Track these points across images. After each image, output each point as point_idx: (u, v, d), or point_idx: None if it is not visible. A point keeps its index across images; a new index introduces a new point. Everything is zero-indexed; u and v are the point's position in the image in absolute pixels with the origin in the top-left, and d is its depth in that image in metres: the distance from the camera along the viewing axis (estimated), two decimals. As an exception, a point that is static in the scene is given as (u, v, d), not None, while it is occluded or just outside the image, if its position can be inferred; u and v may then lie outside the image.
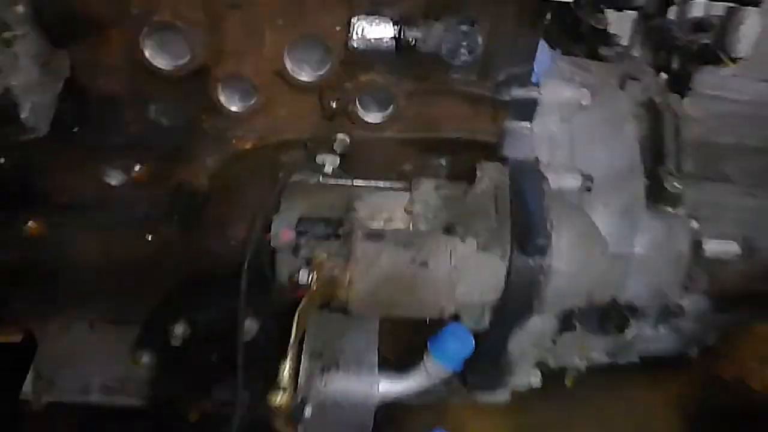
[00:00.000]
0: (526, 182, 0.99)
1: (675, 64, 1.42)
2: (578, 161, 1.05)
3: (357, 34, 0.84)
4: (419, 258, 0.84)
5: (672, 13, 1.53)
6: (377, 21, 0.86)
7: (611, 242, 1.08)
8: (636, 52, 1.50)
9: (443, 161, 1.09)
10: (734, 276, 1.28)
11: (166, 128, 1.02)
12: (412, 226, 0.95)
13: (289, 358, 0.82)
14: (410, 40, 0.86)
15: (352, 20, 0.85)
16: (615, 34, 1.52)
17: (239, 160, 1.03)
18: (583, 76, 1.18)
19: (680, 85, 1.36)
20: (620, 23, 1.60)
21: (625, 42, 1.55)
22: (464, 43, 0.86)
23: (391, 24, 0.85)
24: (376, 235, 0.83)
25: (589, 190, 1.04)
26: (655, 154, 1.24)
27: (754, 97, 1.44)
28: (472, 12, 0.86)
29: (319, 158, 1.04)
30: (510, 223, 0.95)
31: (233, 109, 1.01)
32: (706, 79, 1.42)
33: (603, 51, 1.44)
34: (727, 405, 1.47)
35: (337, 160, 1.05)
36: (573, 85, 1.01)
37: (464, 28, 0.85)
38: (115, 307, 1.11)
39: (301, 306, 0.81)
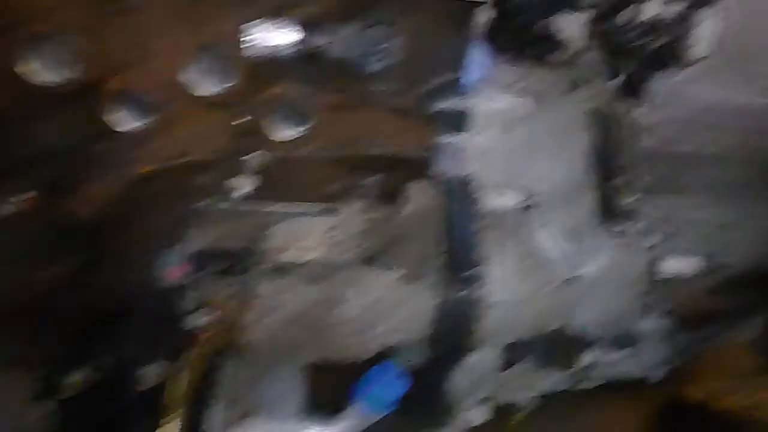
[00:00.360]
0: (458, 203, 0.89)
1: (628, 69, 1.33)
2: (518, 177, 0.95)
3: (255, 41, 0.73)
4: (331, 295, 0.73)
5: (626, 14, 1.44)
6: (278, 26, 0.75)
7: (558, 266, 0.98)
8: (588, 57, 1.41)
9: (374, 180, 0.98)
10: (696, 294, 1.19)
11: (53, 152, 0.90)
12: (332, 256, 0.84)
13: (182, 408, 0.71)
14: (316, 46, 0.76)
15: (248, 26, 0.74)
16: (566, 38, 1.44)
17: (138, 186, 0.91)
18: (528, 83, 1.08)
19: (633, 91, 1.27)
20: (573, 26, 1.52)
21: (576, 46, 1.46)
22: (377, 48, 0.76)
23: (294, 29, 0.75)
24: (281, 270, 0.72)
25: (530, 209, 0.94)
26: (606, 167, 1.15)
27: (713, 103, 1.37)
28: (387, 14, 0.76)
29: (233, 181, 0.92)
30: (441, 250, 0.84)
31: (128, 129, 0.89)
32: (662, 84, 1.34)
33: (553, 56, 1.35)
34: (691, 429, 1.38)
35: (253, 183, 0.93)
36: (513, 93, 0.91)
37: (377, 31, 0.75)
38: (7, 351, 0.99)
39: (194, 351, 0.70)
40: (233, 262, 0.75)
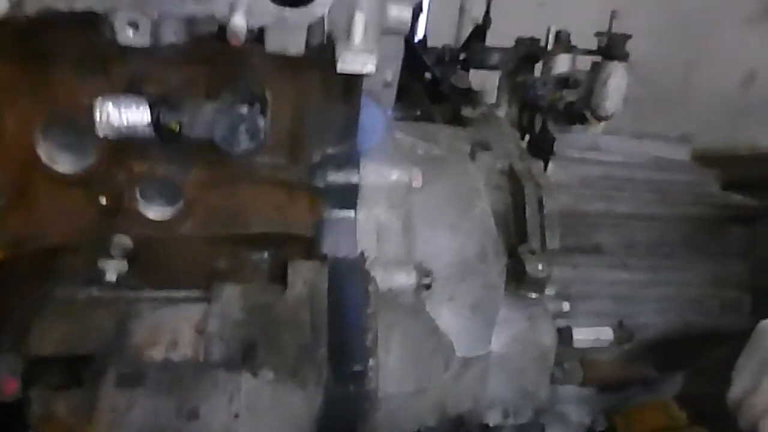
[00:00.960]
0: (348, 285, 0.81)
1: (538, 126, 1.30)
2: (417, 252, 0.89)
3: (103, 119, 0.65)
4: (187, 406, 0.64)
5: (537, 69, 1.43)
6: (131, 102, 0.67)
7: (462, 344, 0.92)
8: (502, 112, 1.38)
9: (264, 255, 0.90)
10: (611, 362, 1.14)
11: None
12: (203, 351, 0.75)
13: None
14: (174, 125, 0.68)
15: (97, 102, 0.66)
16: (479, 93, 1.41)
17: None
18: (426, 148, 1.03)
19: (544, 148, 1.24)
20: (486, 81, 1.50)
21: (490, 101, 1.43)
22: (244, 127, 0.68)
23: (148, 105, 0.67)
24: (131, 378, 0.63)
25: (428, 287, 0.87)
26: (516, 231, 1.10)
27: (625, 157, 1.35)
28: (255, 90, 0.69)
29: (95, 266, 0.83)
30: (326, 339, 0.77)
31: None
32: (573, 139, 1.32)
33: (466, 112, 1.32)
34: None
35: (123, 266, 0.84)
36: (403, 163, 0.85)
37: (242, 108, 0.68)
38: None
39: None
40: (80, 370, 0.65)
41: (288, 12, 0.62)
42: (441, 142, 1.08)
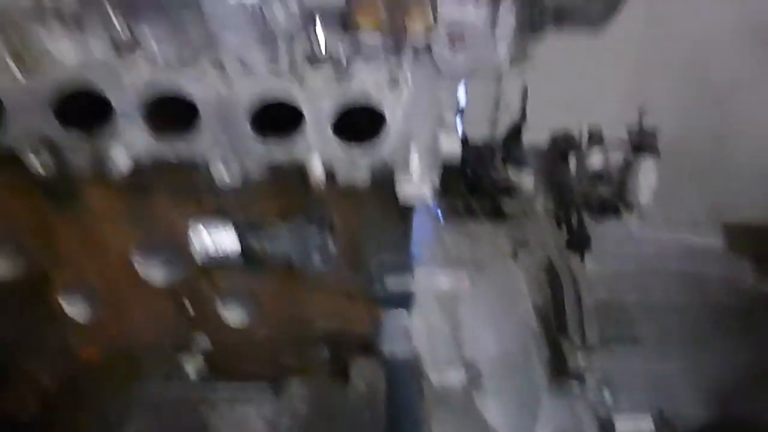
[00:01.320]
0: (403, 383, 0.90)
1: (574, 220, 1.38)
2: (465, 351, 0.97)
3: (198, 244, 0.77)
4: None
5: (573, 165, 1.52)
6: (220, 228, 0.79)
7: (509, 435, 0.98)
8: (539, 206, 1.47)
9: (320, 356, 1.00)
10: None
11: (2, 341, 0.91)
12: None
13: None
14: (256, 247, 0.79)
15: (192, 230, 0.78)
16: (517, 188, 1.50)
17: (87, 374, 0.92)
18: (471, 249, 1.13)
19: (581, 243, 1.32)
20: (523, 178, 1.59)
21: (527, 197, 1.52)
22: (316, 247, 0.79)
23: (234, 230, 0.78)
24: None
25: (477, 384, 0.95)
26: (556, 324, 1.17)
27: (658, 249, 1.42)
28: (323, 215, 0.81)
29: (181, 362, 0.93)
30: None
31: (78, 316, 0.91)
32: (608, 232, 1.39)
33: (506, 207, 1.41)
34: None
35: (201, 363, 0.94)
36: (451, 270, 0.95)
37: (314, 232, 0.79)
38: None
39: None
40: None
41: (356, 151, 0.74)
42: (483, 241, 1.17)
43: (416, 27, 0.66)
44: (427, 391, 0.87)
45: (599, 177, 1.46)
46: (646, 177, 1.39)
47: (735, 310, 1.32)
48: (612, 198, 1.42)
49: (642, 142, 1.38)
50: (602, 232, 1.38)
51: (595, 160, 1.52)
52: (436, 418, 0.85)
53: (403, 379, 0.87)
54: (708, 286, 1.34)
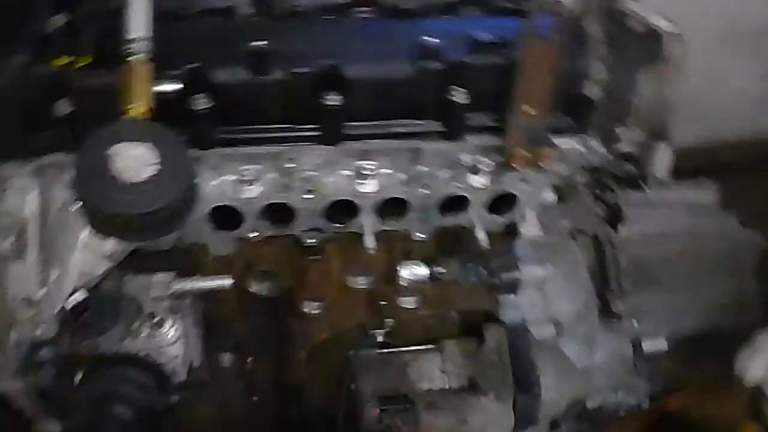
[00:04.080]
0: (518, 339, 1.50)
1: (609, 196, 1.92)
2: (552, 313, 1.56)
3: (404, 276, 1.32)
4: (461, 417, 1.34)
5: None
6: (416, 265, 1.34)
7: (578, 362, 1.60)
8: (580, 186, 2.00)
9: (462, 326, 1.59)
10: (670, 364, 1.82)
11: (267, 330, 1.49)
12: (447, 383, 1.45)
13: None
14: (437, 274, 1.35)
15: (398, 268, 1.33)
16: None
17: (319, 348, 1.51)
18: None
19: (616, 216, 1.87)
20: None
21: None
22: (474, 273, 1.35)
23: (424, 265, 1.34)
24: (432, 405, 1.33)
25: (561, 334, 1.55)
26: (602, 280, 1.76)
27: (668, 210, 1.97)
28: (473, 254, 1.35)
29: (374, 336, 1.52)
30: (511, 374, 1.46)
31: (314, 313, 1.48)
32: (631, 200, 1.94)
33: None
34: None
35: (384, 337, 1.53)
36: (540, 263, 1.51)
37: (471, 265, 1.35)
38: None
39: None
40: (402, 403, 1.35)
41: (500, 221, 1.27)
42: (551, 225, 1.72)
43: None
44: (531, 342, 1.47)
45: (626, 157, 1.98)
46: (663, 156, 1.91)
47: (726, 255, 1.90)
48: (637, 174, 1.95)
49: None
50: (627, 200, 1.92)
51: (626, 143, 2.02)
52: (539, 360, 1.45)
53: (517, 336, 1.46)
54: (706, 237, 1.91)
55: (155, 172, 0.89)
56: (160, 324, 1.13)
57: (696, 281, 1.86)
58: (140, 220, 0.87)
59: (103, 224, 0.87)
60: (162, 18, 1.01)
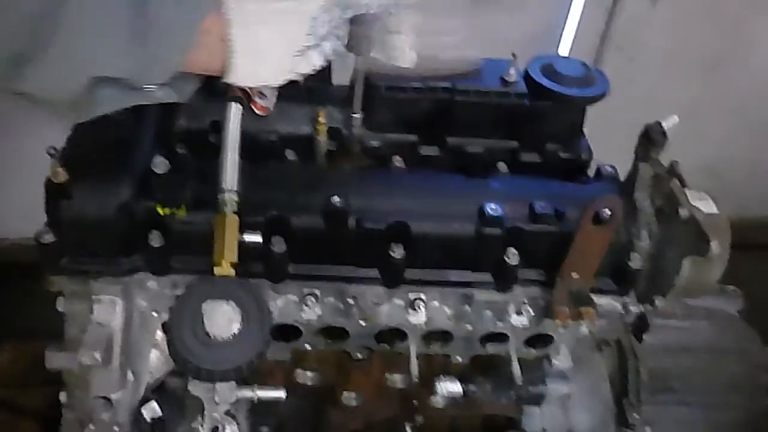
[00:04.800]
0: (537, 450, 1.60)
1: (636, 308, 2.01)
2: (570, 425, 1.66)
3: (439, 392, 1.43)
4: None
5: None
6: (451, 381, 1.45)
7: (591, 471, 1.70)
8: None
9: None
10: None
11: (306, 414, 1.61)
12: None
13: None
14: (470, 391, 1.46)
15: (435, 383, 1.44)
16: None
17: (353, 435, 1.63)
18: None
19: (641, 328, 1.96)
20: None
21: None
22: (506, 393, 1.46)
23: (459, 382, 1.44)
24: None
25: (579, 445, 1.66)
26: (621, 389, 1.85)
27: (689, 320, 2.05)
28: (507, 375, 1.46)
29: (408, 427, 1.64)
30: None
31: (351, 404, 1.60)
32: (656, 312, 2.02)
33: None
34: None
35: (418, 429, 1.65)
36: (565, 381, 1.61)
37: (503, 389, 1.45)
38: None
39: None
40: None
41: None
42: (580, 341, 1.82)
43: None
44: (549, 455, 1.57)
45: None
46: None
47: (744, 375, 1.99)
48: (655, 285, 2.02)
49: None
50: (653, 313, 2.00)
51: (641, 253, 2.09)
52: (554, 471, 1.56)
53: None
54: (726, 355, 1.99)
55: (238, 331, 1.00)
56: (219, 428, 1.25)
57: (712, 397, 1.96)
58: (221, 374, 0.98)
59: (186, 369, 0.99)
60: (245, 148, 1.12)
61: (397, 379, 1.57)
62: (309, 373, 1.53)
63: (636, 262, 1.22)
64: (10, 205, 2.28)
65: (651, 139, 1.28)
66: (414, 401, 1.57)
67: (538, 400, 1.63)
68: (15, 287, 2.41)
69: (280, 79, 0.79)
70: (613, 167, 1.30)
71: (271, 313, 1.04)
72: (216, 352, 0.98)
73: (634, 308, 1.33)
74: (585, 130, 1.43)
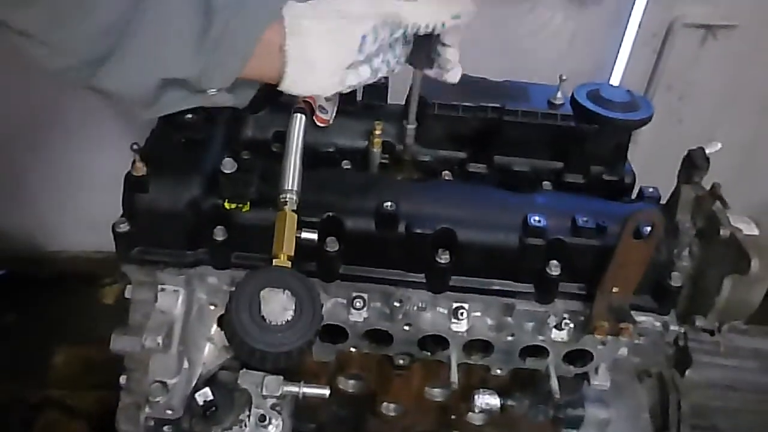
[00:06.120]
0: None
1: (681, 341, 2.00)
2: (610, 453, 1.66)
3: (477, 404, 1.46)
4: None
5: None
6: (489, 394, 1.48)
7: None
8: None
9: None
10: None
11: (346, 423, 1.66)
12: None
13: None
14: (508, 406, 1.48)
15: (474, 395, 1.47)
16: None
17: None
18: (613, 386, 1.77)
19: (684, 362, 1.94)
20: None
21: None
22: (542, 414, 1.48)
23: (498, 396, 1.47)
24: None
25: (616, 476, 1.65)
26: (662, 421, 1.84)
27: (738, 359, 2.02)
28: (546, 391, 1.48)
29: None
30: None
31: (390, 414, 1.64)
32: (701, 346, 2.01)
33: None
34: None
35: (452, 444, 1.67)
36: (605, 405, 1.62)
37: (541, 406, 1.47)
38: None
39: None
40: None
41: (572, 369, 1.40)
42: (620, 367, 1.82)
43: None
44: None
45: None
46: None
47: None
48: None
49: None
50: (696, 344, 1.98)
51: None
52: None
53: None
54: (773, 392, 1.95)
55: (292, 317, 1.07)
56: (266, 420, 1.31)
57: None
58: (273, 356, 1.05)
59: (240, 350, 1.06)
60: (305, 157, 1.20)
61: (436, 393, 1.61)
62: (351, 381, 1.58)
63: (677, 280, 1.25)
64: (68, 219, 2.42)
65: (694, 163, 1.32)
66: (452, 416, 1.60)
67: (576, 423, 1.64)
68: (71, 296, 2.55)
69: (331, 90, 0.88)
70: (655, 188, 1.34)
71: (322, 305, 1.11)
72: (269, 336, 1.05)
73: (674, 327, 1.34)
74: (635, 168, 1.48)
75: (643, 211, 1.17)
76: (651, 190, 1.33)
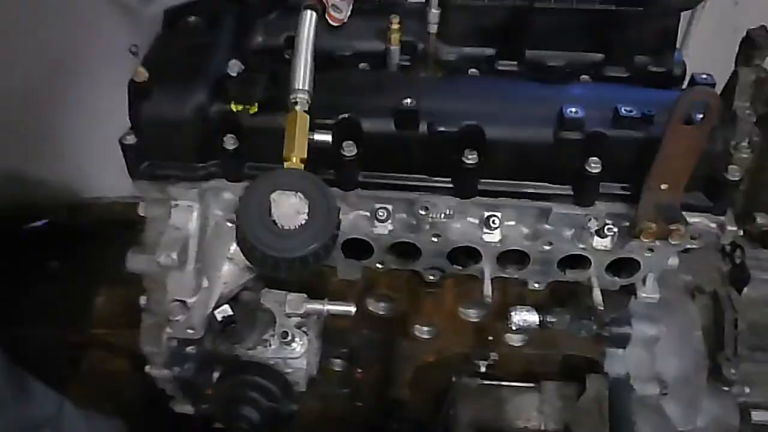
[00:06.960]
0: (619, 392, 1.50)
1: (737, 254, 1.85)
2: (658, 371, 1.55)
3: (514, 321, 1.37)
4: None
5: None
6: (527, 309, 1.38)
7: (680, 424, 1.58)
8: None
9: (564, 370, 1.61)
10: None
11: (378, 346, 1.59)
12: (543, 425, 1.49)
13: None
14: (547, 322, 1.38)
15: (510, 312, 1.37)
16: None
17: (424, 369, 1.59)
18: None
19: (741, 279, 1.80)
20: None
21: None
22: (583, 326, 1.38)
23: (536, 312, 1.37)
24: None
25: (665, 394, 1.54)
26: (716, 341, 1.71)
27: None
28: (586, 306, 1.37)
29: (478, 364, 1.58)
30: (608, 426, 1.47)
31: (423, 337, 1.56)
32: (761, 263, 1.86)
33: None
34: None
35: (486, 367, 1.59)
36: (653, 323, 1.50)
37: (583, 320, 1.37)
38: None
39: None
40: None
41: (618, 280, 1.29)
42: (670, 282, 1.69)
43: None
44: (633, 398, 1.47)
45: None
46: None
47: None
48: (768, 231, 1.86)
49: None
50: (757, 263, 1.84)
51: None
52: (638, 416, 1.46)
53: (619, 390, 1.47)
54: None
55: (305, 221, 0.99)
56: (289, 337, 1.25)
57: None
58: (287, 263, 0.97)
59: (252, 256, 0.98)
60: (319, 63, 1.10)
61: (471, 313, 1.52)
62: (380, 303, 1.50)
63: (734, 174, 1.11)
64: (106, 165, 2.40)
65: (754, 42, 1.16)
66: (489, 337, 1.51)
67: (622, 341, 1.54)
68: (110, 240, 2.55)
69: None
70: (709, 74, 1.19)
71: (339, 208, 1.02)
72: (283, 242, 0.97)
73: (731, 228, 1.21)
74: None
75: (695, 90, 1.03)
76: (704, 76, 1.18)
